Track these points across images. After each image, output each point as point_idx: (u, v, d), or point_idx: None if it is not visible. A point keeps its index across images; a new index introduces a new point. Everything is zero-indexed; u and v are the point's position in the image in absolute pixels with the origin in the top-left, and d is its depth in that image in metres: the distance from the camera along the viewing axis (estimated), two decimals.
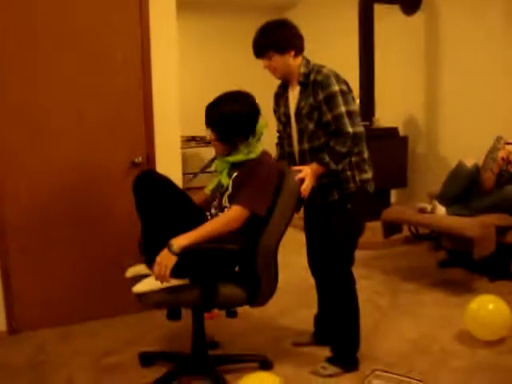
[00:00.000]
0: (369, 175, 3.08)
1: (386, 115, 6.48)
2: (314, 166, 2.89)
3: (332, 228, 3.06)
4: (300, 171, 2.84)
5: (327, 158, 2.87)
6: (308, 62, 3.05)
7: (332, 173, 2.93)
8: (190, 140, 7.44)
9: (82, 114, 3.68)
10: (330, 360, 3.17)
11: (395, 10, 6.45)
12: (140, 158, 3.78)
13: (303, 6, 8.33)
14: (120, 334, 3.67)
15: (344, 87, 2.93)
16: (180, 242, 2.58)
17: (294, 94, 3.07)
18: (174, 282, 2.69)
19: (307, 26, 8.08)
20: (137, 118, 3.81)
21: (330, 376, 3.08)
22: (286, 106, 3.13)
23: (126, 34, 3.72)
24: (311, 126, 2.97)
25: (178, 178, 3.82)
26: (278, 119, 3.24)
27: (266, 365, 3.16)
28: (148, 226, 2.76)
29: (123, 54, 3.72)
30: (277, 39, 2.96)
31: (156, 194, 2.68)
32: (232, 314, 2.97)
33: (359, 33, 6.18)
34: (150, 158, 3.84)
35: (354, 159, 3.00)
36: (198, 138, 7.58)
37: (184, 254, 2.59)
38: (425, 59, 6.38)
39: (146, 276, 2.78)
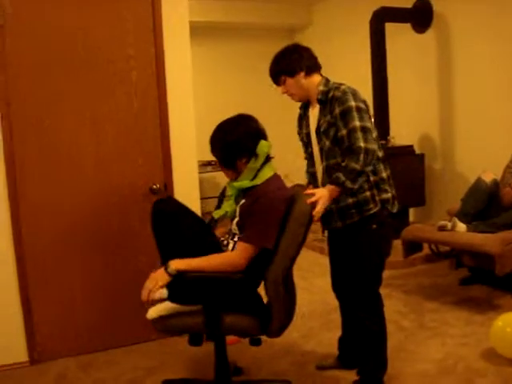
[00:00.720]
0: (389, 195, 3.03)
1: (402, 133, 6.46)
2: (330, 187, 2.84)
3: (358, 250, 3.01)
4: (313, 195, 2.77)
5: (342, 178, 2.80)
6: (328, 80, 3.07)
7: (348, 192, 2.88)
8: (206, 165, 7.46)
9: (100, 141, 3.70)
10: (357, 383, 3.13)
11: (407, 29, 6.46)
12: (158, 185, 3.79)
13: (315, 27, 8.38)
14: (142, 362, 3.65)
15: (361, 104, 2.91)
16: (178, 264, 2.62)
17: (314, 113, 3.09)
18: (180, 308, 2.74)
19: (319, 48, 8.10)
20: (154, 144, 3.82)
21: None
22: (307, 126, 3.15)
23: (140, 60, 3.74)
24: (327, 143, 2.97)
25: (196, 204, 3.82)
26: (302, 141, 3.25)
27: None
28: (164, 255, 2.76)
29: (138, 79, 3.74)
30: (285, 63, 3.03)
31: (168, 224, 2.71)
32: (255, 342, 2.91)
33: (371, 52, 6.19)
34: (168, 184, 3.85)
35: (372, 179, 2.96)
36: (213, 163, 7.59)
37: (189, 280, 2.64)
38: (438, 76, 6.37)
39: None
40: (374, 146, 2.83)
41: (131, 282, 3.78)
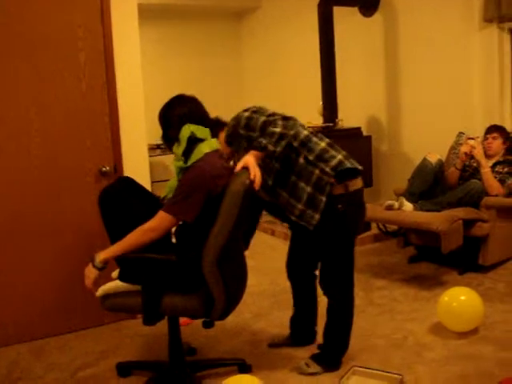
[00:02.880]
0: (338, 157, 2.95)
1: (349, 116, 6.54)
2: (252, 152, 2.80)
3: (326, 233, 2.99)
4: (247, 169, 2.73)
5: (264, 141, 2.79)
6: (227, 126, 3.11)
7: (272, 155, 2.83)
8: (155, 148, 7.40)
9: (47, 124, 3.64)
10: (314, 358, 3.19)
11: (354, 12, 6.52)
12: (107, 167, 3.76)
13: (263, 11, 8.36)
14: (95, 346, 3.63)
15: (253, 108, 2.99)
16: (102, 255, 2.71)
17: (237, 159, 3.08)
18: (123, 288, 2.81)
19: (267, 31, 8.20)
20: (103, 126, 3.79)
21: (312, 374, 3.11)
22: None
23: (88, 41, 3.69)
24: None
25: (147, 187, 3.77)
26: None
27: (244, 368, 3.16)
28: (112, 238, 2.80)
29: (86, 61, 3.69)
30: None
31: (112, 206, 2.81)
32: (208, 324, 2.93)
33: (319, 35, 6.22)
34: (118, 166, 3.82)
35: (311, 157, 2.93)
36: (162, 146, 7.54)
37: (127, 262, 2.75)
38: (385, 59, 6.46)
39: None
40: (289, 115, 2.90)
41: (83, 267, 3.74)
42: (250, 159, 2.76)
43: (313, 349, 3.33)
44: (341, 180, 2.94)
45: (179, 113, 2.83)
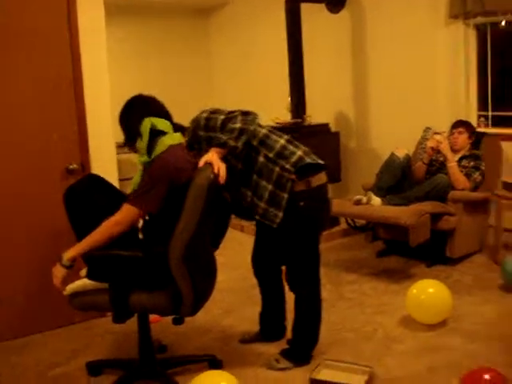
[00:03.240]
0: (298, 153, 2.96)
1: (318, 112, 6.55)
2: (213, 149, 2.81)
3: (290, 229, 2.98)
4: (210, 164, 2.73)
5: (223, 137, 2.81)
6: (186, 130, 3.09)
7: (233, 151, 2.84)
8: (122, 146, 7.35)
9: (12, 119, 3.60)
10: (284, 353, 3.21)
11: (322, 9, 6.54)
12: (75, 165, 3.72)
13: (230, 7, 8.34)
14: (65, 345, 3.60)
15: (211, 109, 3.00)
16: (69, 253, 2.71)
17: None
18: (91, 286, 2.81)
19: (235, 27, 8.20)
20: (69, 123, 3.75)
21: (282, 370, 3.12)
22: None
23: (54, 40, 3.66)
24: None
25: (115, 185, 3.76)
26: None
27: (215, 364, 3.16)
28: (78, 236, 2.79)
29: (52, 57, 3.66)
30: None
31: (76, 203, 2.82)
32: (177, 320, 2.93)
33: (287, 32, 6.23)
34: (86, 164, 3.79)
35: (271, 155, 2.93)
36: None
37: (93, 259, 2.73)
38: (352, 55, 6.50)
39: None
40: (248, 110, 2.92)
41: (52, 266, 3.70)
42: (212, 155, 2.77)
43: (283, 344, 3.34)
44: (302, 176, 2.94)
45: (138, 109, 2.88)
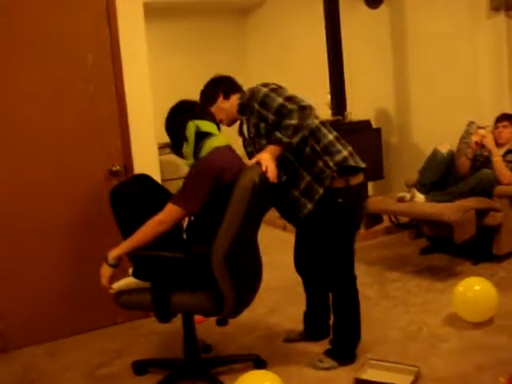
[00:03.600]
0: (343, 153, 2.98)
1: (358, 108, 6.52)
2: (269, 147, 2.84)
3: (326, 226, 3.00)
4: (259, 164, 2.76)
5: (278, 134, 2.82)
6: (242, 92, 3.12)
7: (289, 148, 2.86)
8: (163, 147, 7.41)
9: (57, 124, 3.65)
10: (327, 353, 3.19)
11: (360, 4, 6.49)
12: (118, 167, 3.77)
13: (268, 6, 8.35)
14: (110, 346, 3.64)
15: (273, 86, 2.97)
16: (114, 252, 2.73)
17: (246, 128, 3.13)
18: (134, 285, 2.85)
19: (273, 26, 8.19)
20: (112, 125, 3.79)
21: (327, 369, 3.10)
22: (250, 145, 3.15)
23: (95, 42, 3.70)
24: (263, 141, 2.96)
25: None
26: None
27: (259, 363, 3.16)
28: (125, 236, 2.79)
29: (93, 61, 3.70)
30: (204, 95, 3.15)
31: (123, 204, 2.81)
32: (221, 322, 2.95)
33: (326, 29, 6.21)
34: (128, 166, 3.83)
35: (318, 148, 2.95)
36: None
37: (138, 259, 2.78)
38: (392, 50, 6.44)
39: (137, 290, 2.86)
40: (306, 102, 2.86)
41: (96, 266, 3.75)
42: (263, 155, 2.80)
43: (327, 343, 3.32)
44: (342, 174, 2.96)
45: (182, 114, 2.90)
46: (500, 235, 4.51)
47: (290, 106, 2.83)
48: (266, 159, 2.77)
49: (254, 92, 2.98)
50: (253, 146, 3.06)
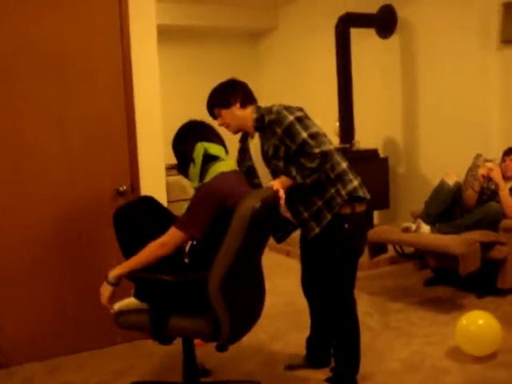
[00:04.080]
0: (354, 183, 3.04)
1: (366, 137, 6.54)
2: (282, 178, 2.94)
3: (332, 251, 3.04)
4: (271, 187, 2.83)
5: (294, 172, 2.89)
6: (259, 107, 3.12)
7: (301, 187, 2.93)
8: (171, 168, 7.43)
9: (65, 143, 3.68)
10: (329, 380, 3.19)
11: (371, 34, 6.54)
12: (124, 187, 3.77)
13: (280, 32, 8.43)
14: (109, 366, 3.62)
15: (299, 114, 2.97)
16: (114, 272, 2.72)
17: (254, 144, 3.16)
18: (134, 305, 2.81)
19: (285, 52, 8.27)
20: (120, 145, 3.81)
21: None
22: (250, 160, 3.20)
23: (107, 61, 3.74)
24: (281, 164, 2.99)
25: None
26: (245, 173, 3.21)
27: None
28: (126, 256, 2.79)
29: (105, 80, 3.74)
30: (219, 96, 3.10)
31: (124, 226, 2.82)
32: (221, 347, 2.88)
33: (337, 57, 6.26)
34: (135, 186, 3.84)
35: (332, 175, 3.00)
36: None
37: (137, 280, 2.76)
38: (401, 81, 6.47)
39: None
40: (328, 146, 2.90)
41: (98, 286, 3.74)
42: (278, 183, 2.87)
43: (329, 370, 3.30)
44: (349, 201, 3.01)
45: (191, 134, 2.91)
46: (505, 269, 4.48)
47: (313, 146, 2.86)
48: (279, 184, 2.85)
49: (279, 118, 2.96)
50: (268, 163, 3.08)
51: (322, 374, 3.26)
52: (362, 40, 6.60)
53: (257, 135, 3.10)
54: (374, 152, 6.37)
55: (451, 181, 4.77)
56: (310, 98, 7.68)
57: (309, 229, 3.05)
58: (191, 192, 2.90)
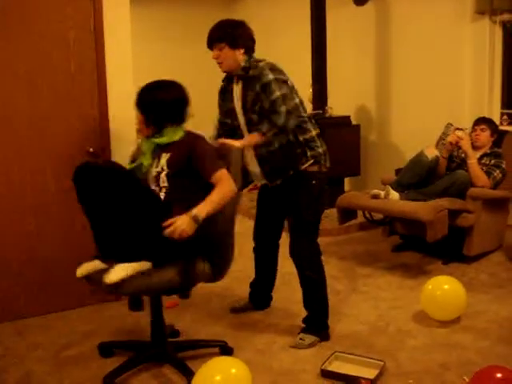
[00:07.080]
0: (320, 150, 3.28)
1: (339, 104, 6.53)
2: (249, 137, 3.17)
3: (299, 203, 3.27)
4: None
5: (264, 128, 3.09)
6: (250, 58, 3.22)
7: (266, 144, 3.15)
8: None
9: (35, 103, 3.62)
10: (304, 331, 3.31)
11: (347, 1, 6.50)
12: (94, 148, 3.72)
13: None
14: (78, 327, 3.63)
15: (280, 76, 3.15)
16: (203, 210, 2.64)
17: (237, 89, 3.28)
18: (139, 267, 2.68)
19: (259, 17, 8.16)
20: (91, 107, 3.77)
21: (311, 345, 3.24)
22: (231, 101, 3.33)
23: (78, 20, 3.67)
24: (255, 117, 3.17)
25: None
26: (224, 113, 3.41)
27: (226, 350, 3.17)
28: (98, 217, 2.72)
29: (76, 40, 3.67)
30: (232, 34, 3.15)
31: (103, 182, 2.63)
32: (185, 295, 3.02)
33: (311, 23, 6.21)
34: (106, 148, 3.81)
35: (302, 138, 3.22)
36: None
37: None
38: (375, 49, 6.46)
39: (103, 270, 2.69)
40: (295, 111, 3.15)
41: (66, 247, 3.74)
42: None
43: (294, 331, 3.38)
44: (316, 162, 3.28)
45: (181, 96, 2.96)
46: (471, 236, 4.56)
47: (281, 107, 3.07)
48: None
49: (260, 74, 3.13)
50: (245, 113, 3.24)
51: (290, 337, 3.34)
52: (337, 7, 6.55)
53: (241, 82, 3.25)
54: (347, 119, 6.37)
55: (430, 154, 4.76)
56: (284, 64, 7.57)
57: (272, 179, 3.33)
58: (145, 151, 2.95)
